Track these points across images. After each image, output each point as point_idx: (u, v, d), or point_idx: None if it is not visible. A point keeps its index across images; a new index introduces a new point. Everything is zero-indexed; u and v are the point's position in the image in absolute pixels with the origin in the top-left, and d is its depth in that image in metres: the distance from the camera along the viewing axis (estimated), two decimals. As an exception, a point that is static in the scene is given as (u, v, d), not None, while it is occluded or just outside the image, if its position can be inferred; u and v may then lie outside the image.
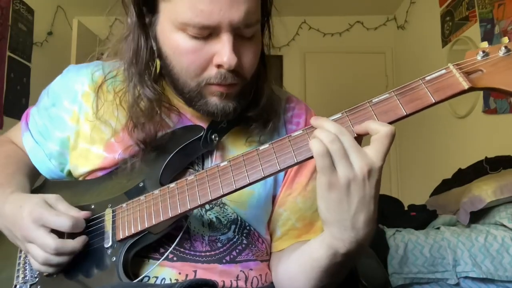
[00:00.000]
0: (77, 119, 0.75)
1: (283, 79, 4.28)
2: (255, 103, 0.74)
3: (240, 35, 0.64)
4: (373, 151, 0.53)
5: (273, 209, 0.78)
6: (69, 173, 0.79)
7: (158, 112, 0.70)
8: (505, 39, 0.54)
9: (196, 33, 0.62)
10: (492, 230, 1.67)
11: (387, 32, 4.26)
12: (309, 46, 4.32)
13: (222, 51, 0.62)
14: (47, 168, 0.80)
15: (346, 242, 0.55)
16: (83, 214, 0.68)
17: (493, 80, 0.52)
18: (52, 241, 0.63)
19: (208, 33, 0.62)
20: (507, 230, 1.66)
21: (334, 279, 0.65)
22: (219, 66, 0.64)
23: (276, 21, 0.77)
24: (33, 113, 0.82)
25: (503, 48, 0.53)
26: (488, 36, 2.49)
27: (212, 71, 0.64)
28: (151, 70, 0.70)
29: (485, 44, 0.55)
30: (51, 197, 0.68)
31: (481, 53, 0.54)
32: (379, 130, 0.53)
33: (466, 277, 1.60)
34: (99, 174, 0.75)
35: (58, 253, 0.63)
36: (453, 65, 0.54)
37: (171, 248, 0.67)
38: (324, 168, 0.53)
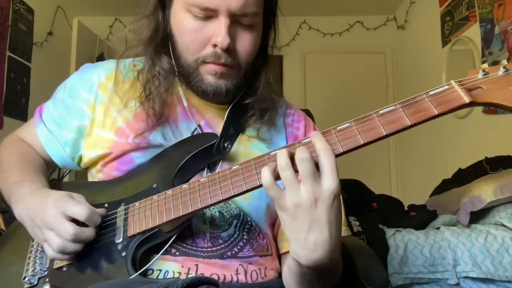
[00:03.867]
0: (93, 107, 0.80)
1: (283, 79, 4.28)
2: (252, 93, 0.81)
3: (238, 22, 0.72)
4: (326, 179, 0.54)
5: None
6: (79, 161, 0.84)
7: (172, 82, 0.78)
8: (504, 61, 0.58)
9: (198, 13, 0.71)
10: (492, 230, 1.67)
11: (387, 32, 4.26)
12: (309, 46, 4.32)
13: (218, 32, 0.70)
14: (60, 156, 0.84)
15: (302, 259, 0.58)
16: (100, 210, 0.71)
17: (492, 96, 0.56)
18: (71, 227, 0.65)
19: (209, 15, 0.71)
20: (507, 230, 1.66)
21: (317, 285, 0.67)
22: (214, 45, 0.72)
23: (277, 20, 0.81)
24: (48, 106, 0.86)
25: (502, 68, 0.57)
26: (488, 36, 2.49)
27: (208, 50, 0.73)
28: (167, 47, 0.79)
29: (485, 65, 0.59)
30: (75, 194, 0.72)
31: (482, 72, 0.58)
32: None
33: (466, 277, 1.60)
34: (113, 171, 0.77)
35: (75, 240, 0.66)
36: (455, 81, 0.58)
37: (170, 241, 0.69)
38: (273, 196, 0.56)
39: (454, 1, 2.94)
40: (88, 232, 0.67)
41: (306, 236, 0.55)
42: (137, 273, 0.66)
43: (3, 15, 3.12)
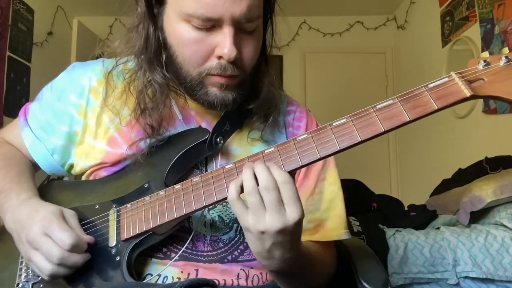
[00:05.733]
0: (85, 113, 0.76)
1: (283, 79, 4.28)
2: (255, 96, 0.76)
3: (241, 29, 0.67)
4: (290, 210, 0.54)
5: None
6: (70, 168, 0.80)
7: (167, 95, 0.72)
8: (505, 50, 0.55)
9: (199, 25, 0.65)
10: (492, 230, 1.66)
11: (387, 32, 4.26)
12: (309, 46, 4.32)
13: (223, 43, 0.65)
14: (48, 163, 0.80)
15: (266, 267, 0.62)
16: (88, 238, 0.67)
17: (494, 89, 0.53)
18: (57, 251, 0.62)
19: (211, 25, 0.65)
20: (507, 230, 1.65)
21: (293, 280, 0.68)
22: (220, 57, 0.66)
23: (277, 20, 0.78)
24: (33, 109, 0.81)
25: (503, 58, 0.54)
26: (488, 36, 2.49)
27: (213, 62, 0.67)
28: (160, 58, 0.72)
29: (486, 54, 0.56)
30: (68, 211, 0.68)
31: (483, 62, 0.55)
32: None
33: (466, 277, 1.60)
34: (102, 172, 0.75)
35: (61, 264, 0.63)
36: (455, 73, 0.55)
37: (180, 251, 0.68)
38: (237, 213, 0.56)
39: (454, 1, 2.94)
40: (76, 258, 0.64)
41: (269, 252, 0.57)
42: (145, 280, 0.65)
43: (3, 15, 3.12)
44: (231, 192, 0.56)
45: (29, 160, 0.81)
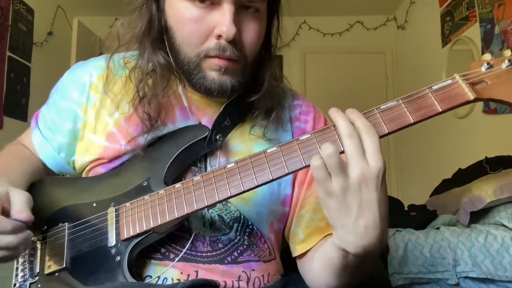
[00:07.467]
0: (85, 109, 0.76)
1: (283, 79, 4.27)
2: (257, 89, 0.74)
3: (244, 9, 0.66)
4: (370, 157, 0.53)
5: (284, 209, 0.78)
6: (74, 165, 0.80)
7: (168, 81, 0.71)
8: (507, 52, 0.56)
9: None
10: (492, 230, 1.66)
11: (387, 32, 4.26)
12: (309, 46, 4.32)
13: (222, 21, 0.63)
14: (55, 162, 0.81)
15: (351, 246, 0.56)
16: (25, 216, 0.61)
17: (496, 92, 0.54)
18: None
19: (211, 1, 0.64)
20: (507, 230, 1.65)
21: (356, 277, 0.66)
22: (219, 37, 0.65)
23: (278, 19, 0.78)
24: (43, 111, 0.83)
25: (506, 61, 0.55)
26: (488, 36, 2.49)
27: (211, 43, 0.66)
28: (163, 40, 0.71)
29: (488, 56, 0.57)
30: (14, 191, 0.64)
31: (486, 65, 0.55)
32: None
33: (466, 277, 1.60)
34: (101, 168, 0.74)
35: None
36: (459, 75, 0.56)
37: (182, 253, 0.67)
38: (320, 179, 0.54)
39: (454, 1, 2.94)
40: (8, 239, 0.58)
41: (356, 221, 0.53)
42: (145, 281, 0.64)
43: (3, 15, 3.12)
44: (315, 160, 0.54)
45: (38, 160, 0.82)
